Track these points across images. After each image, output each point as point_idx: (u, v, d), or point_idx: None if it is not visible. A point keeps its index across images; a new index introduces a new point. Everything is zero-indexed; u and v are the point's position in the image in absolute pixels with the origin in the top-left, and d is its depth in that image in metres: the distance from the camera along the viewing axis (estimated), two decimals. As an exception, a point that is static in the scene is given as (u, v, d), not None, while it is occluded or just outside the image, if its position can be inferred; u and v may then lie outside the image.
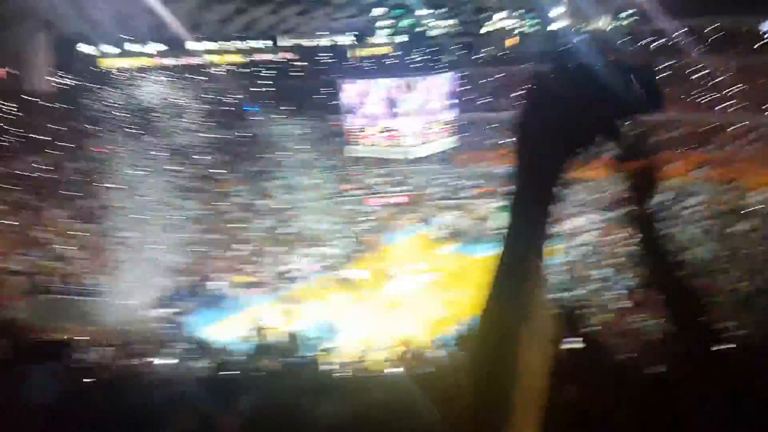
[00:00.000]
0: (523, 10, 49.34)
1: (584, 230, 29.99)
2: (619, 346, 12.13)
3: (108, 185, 30.52)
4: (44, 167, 30.57)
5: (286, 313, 23.37)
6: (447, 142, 35.86)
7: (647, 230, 1.58)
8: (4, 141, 31.58)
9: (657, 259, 1.57)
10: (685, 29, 39.75)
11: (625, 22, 47.79)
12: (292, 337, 19.80)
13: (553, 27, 50.76)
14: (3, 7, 28.66)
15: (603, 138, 1.22)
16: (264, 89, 46.25)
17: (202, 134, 38.79)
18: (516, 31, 52.72)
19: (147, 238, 28.30)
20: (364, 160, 37.76)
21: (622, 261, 23.96)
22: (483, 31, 52.86)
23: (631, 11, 46.47)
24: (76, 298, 22.49)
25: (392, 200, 35.61)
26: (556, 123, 1.13)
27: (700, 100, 36.50)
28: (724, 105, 35.48)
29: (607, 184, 32.63)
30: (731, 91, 35.70)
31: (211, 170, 35.82)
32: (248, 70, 49.50)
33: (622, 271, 22.70)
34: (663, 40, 43.17)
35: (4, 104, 34.05)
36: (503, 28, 52.29)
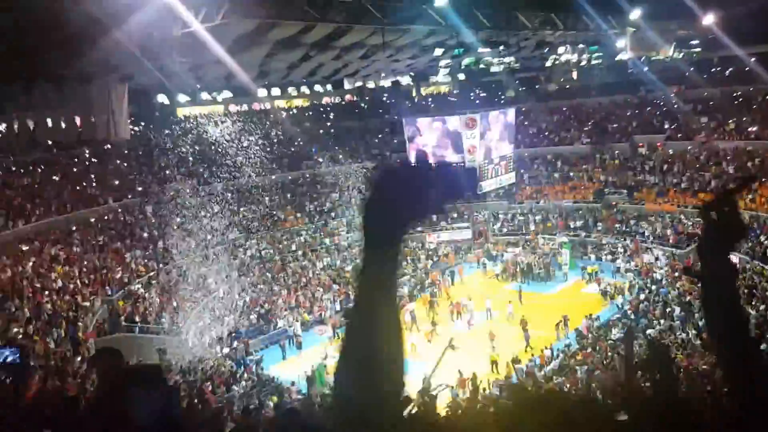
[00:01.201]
0: (586, 44, 48.79)
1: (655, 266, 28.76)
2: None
3: (179, 227, 31.74)
4: (120, 211, 32.10)
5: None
6: (509, 178, 35.43)
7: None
8: (86, 185, 33.43)
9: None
10: (753, 57, 38.31)
11: (690, 52, 46.41)
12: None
13: (618, 58, 49.90)
14: (85, 62, 30.64)
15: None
16: (328, 130, 47.35)
17: (267, 175, 39.98)
18: (580, 64, 52.11)
19: (215, 277, 29.14)
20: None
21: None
22: (546, 65, 52.54)
23: (696, 41, 45.14)
24: (148, 335, 23.22)
25: (455, 236, 35.32)
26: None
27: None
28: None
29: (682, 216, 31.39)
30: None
31: (274, 210, 36.68)
32: (313, 113, 50.92)
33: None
34: (730, 68, 41.69)
35: (85, 151, 36.21)
36: (567, 62, 51.81)
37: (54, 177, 33.34)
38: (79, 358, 18.26)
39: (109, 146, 36.79)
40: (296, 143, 45.18)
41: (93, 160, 36.08)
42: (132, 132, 39.87)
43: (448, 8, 28.50)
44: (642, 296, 25.46)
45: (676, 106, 41.19)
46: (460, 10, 29.64)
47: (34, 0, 20.14)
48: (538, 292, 28.65)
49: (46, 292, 22.27)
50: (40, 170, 33.49)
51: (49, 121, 36.45)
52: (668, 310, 22.83)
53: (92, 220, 30.54)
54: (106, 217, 31.22)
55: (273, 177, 40.17)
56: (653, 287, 26.12)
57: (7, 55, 25.74)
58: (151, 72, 32.04)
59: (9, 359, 7.76)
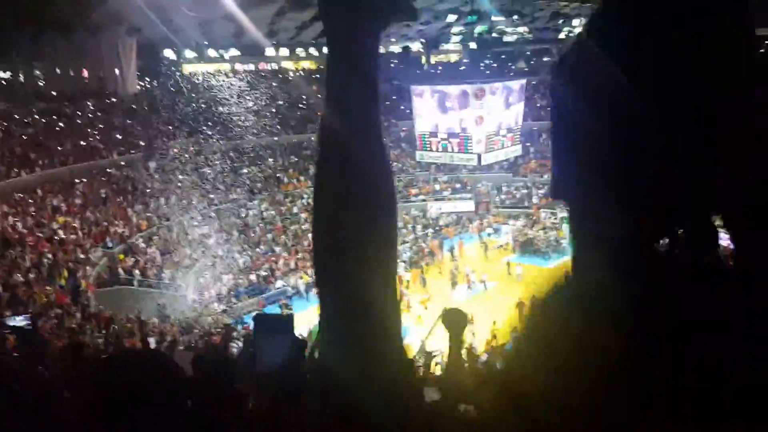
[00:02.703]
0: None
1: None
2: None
3: (181, 184, 31.75)
4: (124, 165, 32.07)
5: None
6: (515, 150, 35.19)
7: None
8: (89, 138, 33.33)
9: None
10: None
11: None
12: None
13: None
14: (94, 14, 30.32)
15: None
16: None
17: (272, 137, 39.83)
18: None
19: (216, 236, 29.26)
20: (432, 165, 37.65)
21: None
22: (560, 37, 51.81)
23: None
24: (149, 290, 23.42)
25: (458, 206, 35.29)
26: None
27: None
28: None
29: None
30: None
31: (278, 171, 36.62)
32: (320, 76, 50.44)
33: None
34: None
35: (90, 104, 36.00)
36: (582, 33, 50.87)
37: (57, 128, 33.23)
38: (78, 308, 18.46)
39: (113, 100, 36.58)
40: (303, 105, 44.88)
41: (98, 113, 35.91)
42: (138, 86, 39.63)
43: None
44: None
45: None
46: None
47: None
48: (537, 266, 28.73)
49: (47, 242, 22.39)
50: (43, 121, 33.36)
51: (57, 71, 36.19)
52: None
53: (95, 172, 30.53)
54: (108, 171, 31.21)
55: (277, 138, 40.01)
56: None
57: (15, 2, 25.46)
58: (158, 26, 31.73)
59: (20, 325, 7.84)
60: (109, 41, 34.92)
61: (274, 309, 25.01)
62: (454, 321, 3.16)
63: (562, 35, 51.41)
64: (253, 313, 23.52)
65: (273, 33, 38.93)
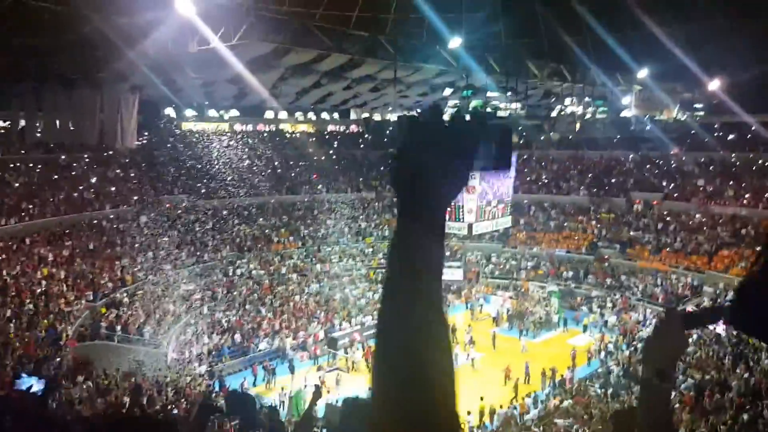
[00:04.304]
0: (592, 98, 49.50)
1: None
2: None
3: (171, 240, 31.73)
4: (114, 218, 32.08)
5: (331, 380, 23.12)
6: (506, 221, 35.50)
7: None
8: (82, 189, 33.45)
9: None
10: (758, 124, 38.85)
11: (695, 114, 47.13)
12: (332, 406, 19.44)
13: (622, 114, 50.56)
14: (101, 72, 30.99)
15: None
16: (330, 158, 47.66)
17: (266, 196, 40.12)
18: (584, 117, 52.75)
19: (202, 294, 29.00)
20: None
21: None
22: (551, 114, 53.15)
23: (701, 104, 45.90)
24: (128, 345, 23.00)
25: (448, 274, 35.25)
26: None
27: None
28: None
29: (674, 276, 31.45)
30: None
31: (268, 231, 36.66)
32: (317, 139, 51.31)
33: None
34: (733, 134, 42.26)
35: (86, 156, 36.31)
36: (572, 113, 52.46)
37: (51, 178, 33.39)
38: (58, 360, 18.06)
39: (110, 153, 36.92)
40: (297, 167, 45.44)
41: (94, 165, 36.20)
42: (137, 141, 40.09)
43: (461, 50, 28.99)
44: (627, 353, 25.34)
45: (675, 166, 41.60)
46: (472, 53, 30.18)
47: (56, 8, 20.41)
48: (526, 339, 28.50)
49: (30, 293, 22.12)
50: (38, 170, 33.57)
51: (56, 123, 36.59)
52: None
53: (85, 224, 30.51)
54: (98, 223, 31.19)
55: (271, 199, 40.31)
56: (638, 345, 26.00)
57: (21, 54, 26.04)
58: (161, 85, 32.40)
59: (34, 389, 7.69)
60: (111, 96, 35.53)
61: (258, 371, 24.49)
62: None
63: (553, 113, 52.77)
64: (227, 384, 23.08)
65: (274, 96, 39.77)
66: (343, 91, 39.40)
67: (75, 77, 30.49)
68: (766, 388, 18.08)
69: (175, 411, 16.66)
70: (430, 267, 1.07)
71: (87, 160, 36.27)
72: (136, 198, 34.71)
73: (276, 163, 45.39)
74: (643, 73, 37.55)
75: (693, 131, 43.73)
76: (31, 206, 29.61)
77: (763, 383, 18.60)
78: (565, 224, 39.05)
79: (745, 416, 16.60)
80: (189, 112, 47.20)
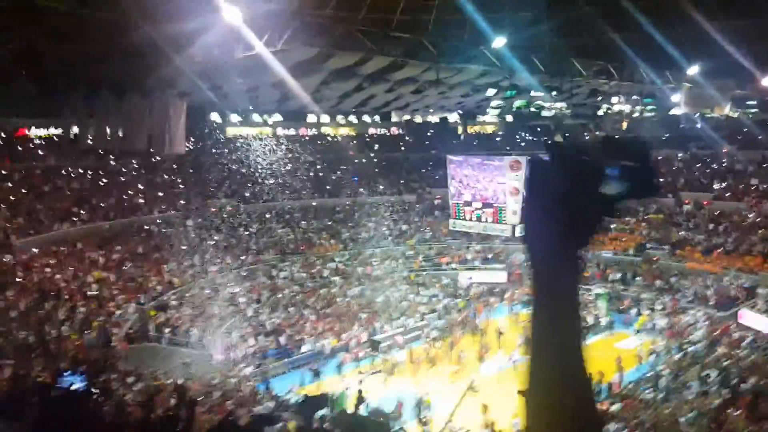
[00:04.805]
0: (641, 96, 48.39)
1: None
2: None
3: (216, 243, 32.26)
4: (162, 222, 32.80)
5: (375, 381, 23.11)
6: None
7: None
8: (134, 196, 34.33)
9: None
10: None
11: (747, 111, 45.53)
12: (378, 407, 19.45)
13: (671, 112, 49.27)
14: (149, 79, 31.83)
15: (599, 222, 1.16)
16: (373, 160, 47.78)
17: (309, 199, 40.47)
18: (632, 115, 51.64)
19: (247, 296, 29.38)
20: (465, 234, 37.54)
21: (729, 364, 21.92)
22: (598, 113, 52.19)
23: (754, 101, 44.32)
24: (176, 348, 23.45)
25: (491, 277, 34.87)
26: (553, 209, 1.12)
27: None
28: None
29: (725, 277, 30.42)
30: None
31: (310, 234, 36.92)
32: (358, 142, 51.54)
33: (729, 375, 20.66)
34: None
35: (135, 162, 37.27)
36: (619, 112, 51.44)
37: (101, 183, 34.36)
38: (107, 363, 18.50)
39: (158, 158, 37.79)
40: (339, 170, 45.69)
41: (142, 171, 37.12)
42: (185, 147, 41.00)
43: (504, 50, 28.66)
44: (677, 356, 24.58)
45: (726, 165, 40.24)
46: (516, 53, 29.80)
47: (107, 16, 21.00)
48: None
49: (82, 296, 22.76)
50: (89, 176, 34.58)
51: (108, 130, 37.72)
52: (703, 373, 21.96)
53: (134, 228, 31.28)
54: (147, 227, 31.93)
55: (313, 202, 40.62)
56: (689, 348, 25.22)
57: (73, 62, 26.89)
58: (207, 91, 33.06)
59: (76, 385, 7.76)
60: (160, 103, 36.40)
61: (298, 374, 24.63)
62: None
63: (600, 112, 51.78)
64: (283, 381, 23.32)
65: (316, 100, 40.16)
66: (385, 93, 39.44)
67: (125, 84, 31.31)
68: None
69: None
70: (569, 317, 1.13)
71: (135, 165, 37.21)
72: (182, 203, 35.42)
73: (318, 167, 45.73)
74: (693, 70, 36.50)
75: (745, 128, 42.22)
76: (82, 211, 30.50)
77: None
78: (612, 225, 38.15)
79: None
80: (234, 117, 48.03)
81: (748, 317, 25.79)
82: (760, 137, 40.79)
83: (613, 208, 1.13)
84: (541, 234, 1.13)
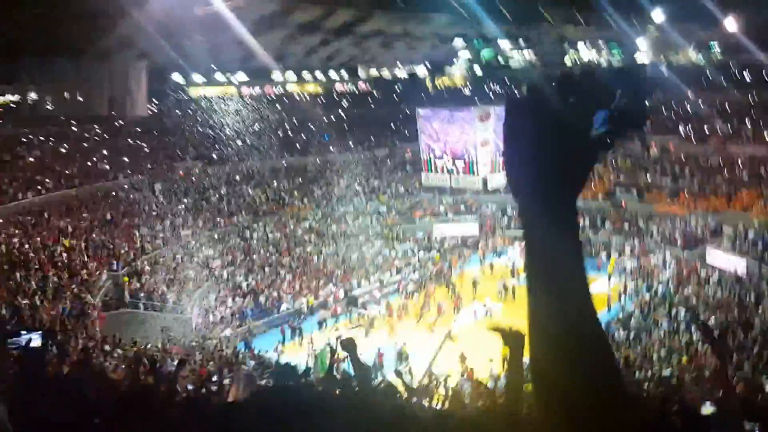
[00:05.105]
0: (606, 42, 48.39)
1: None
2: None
3: (187, 206, 31.86)
4: (130, 187, 32.19)
5: (352, 337, 23.40)
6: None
7: None
8: (98, 161, 33.52)
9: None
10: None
11: (710, 55, 45.95)
12: (358, 361, 19.74)
13: (638, 58, 49.42)
14: (106, 40, 30.71)
15: (587, 158, 1.06)
16: (342, 117, 47.29)
17: (278, 159, 40.02)
18: (600, 62, 51.70)
19: (221, 259, 29.24)
20: (437, 188, 37.71)
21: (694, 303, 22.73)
22: (565, 61, 52.11)
23: (717, 45, 44.71)
24: (153, 313, 23.34)
25: (463, 229, 35.19)
26: (538, 145, 1.00)
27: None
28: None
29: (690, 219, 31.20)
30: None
31: (282, 194, 36.66)
32: (326, 100, 50.83)
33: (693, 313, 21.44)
34: (750, 72, 41.21)
35: (97, 127, 36.28)
36: (587, 59, 51.43)
37: (63, 150, 33.44)
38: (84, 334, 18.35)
39: (121, 122, 36.86)
40: (308, 129, 45.14)
41: (105, 136, 36.18)
42: (147, 110, 40.01)
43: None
44: (647, 297, 25.35)
45: (691, 108, 40.78)
46: (482, 2, 29.44)
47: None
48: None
49: (52, 265, 22.38)
50: (51, 144, 33.61)
51: (65, 95, 36.53)
52: (673, 312, 22.73)
53: (101, 195, 30.66)
54: (114, 193, 31.32)
55: (283, 162, 40.20)
56: (658, 288, 26.01)
57: (27, 27, 25.77)
58: (168, 51, 32.08)
59: (33, 343, 7.42)
60: (119, 65, 35.29)
61: (276, 333, 24.77)
62: (514, 341, 3.15)
63: (567, 59, 51.71)
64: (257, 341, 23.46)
65: (281, 57, 39.30)
66: (351, 47, 38.78)
67: (82, 47, 30.20)
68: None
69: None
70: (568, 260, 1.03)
71: (98, 131, 36.23)
72: (149, 167, 34.74)
73: (286, 126, 45.10)
74: (657, 14, 36.53)
75: (709, 72, 42.68)
76: (47, 180, 29.73)
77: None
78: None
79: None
80: (196, 78, 46.76)
81: (714, 256, 26.56)
82: (722, 80, 41.26)
83: (603, 147, 1.06)
84: (526, 183, 1.02)
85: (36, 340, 7.23)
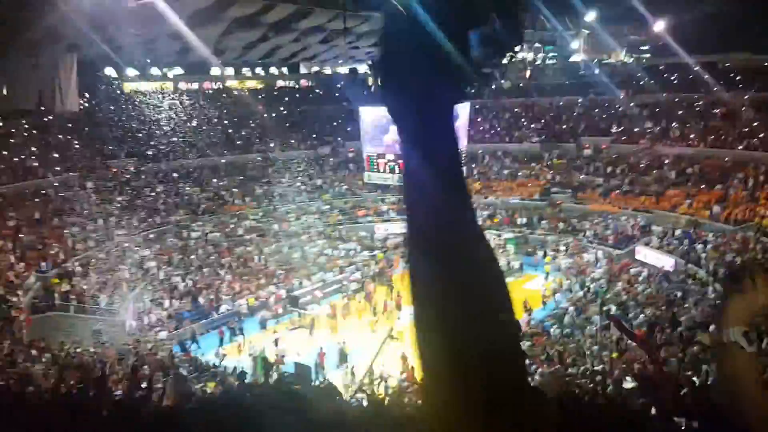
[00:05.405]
0: (542, 43, 49.66)
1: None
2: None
3: (120, 205, 30.87)
4: (60, 185, 30.91)
5: (295, 338, 23.24)
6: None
7: None
8: (26, 159, 32.02)
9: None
10: (701, 65, 39.72)
11: (641, 57, 47.85)
12: (300, 363, 19.61)
13: (571, 59, 50.97)
14: (32, 31, 29.28)
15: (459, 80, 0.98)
16: (282, 115, 46.73)
17: (216, 157, 39.21)
18: (535, 63, 53.03)
19: (157, 259, 28.44)
20: (380, 186, 37.75)
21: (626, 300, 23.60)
22: (504, 61, 53.00)
23: (647, 47, 46.59)
24: (85, 315, 22.50)
25: (395, 228, 35.33)
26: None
27: (718, 135, 36.10)
28: (742, 140, 34.99)
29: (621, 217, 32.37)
30: (749, 126, 35.30)
31: (222, 192, 35.96)
32: (266, 96, 50.12)
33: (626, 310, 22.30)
34: (678, 74, 43.11)
35: (25, 123, 34.61)
36: (523, 60, 52.65)
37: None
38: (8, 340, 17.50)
39: (50, 118, 35.30)
40: (248, 125, 44.41)
41: (33, 132, 34.55)
42: (79, 105, 38.44)
43: (409, -1, 28.41)
44: (580, 294, 26.15)
45: (622, 109, 42.34)
46: (422, 1, 29.60)
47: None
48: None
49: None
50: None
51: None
52: (605, 308, 23.51)
53: (29, 193, 29.31)
54: (43, 192, 29.98)
55: (222, 159, 39.41)
56: (591, 286, 26.87)
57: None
58: (98, 44, 30.87)
59: None
60: (47, 58, 33.72)
61: (214, 335, 24.29)
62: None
63: (504, 60, 52.68)
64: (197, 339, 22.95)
65: (219, 52, 38.39)
66: (292, 43, 38.32)
67: (6, 39, 28.66)
68: (708, 323, 18.94)
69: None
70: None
71: (26, 126, 34.57)
72: (80, 164, 33.41)
73: (225, 122, 44.23)
74: (591, 16, 37.72)
75: (639, 74, 44.41)
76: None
77: (708, 317, 19.48)
78: (519, 172, 39.52)
79: (694, 348, 17.41)
80: (130, 72, 45.28)
81: (644, 254, 27.67)
82: (652, 82, 43.04)
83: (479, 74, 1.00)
84: (401, 91, 0.95)
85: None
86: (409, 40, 0.95)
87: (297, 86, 54.96)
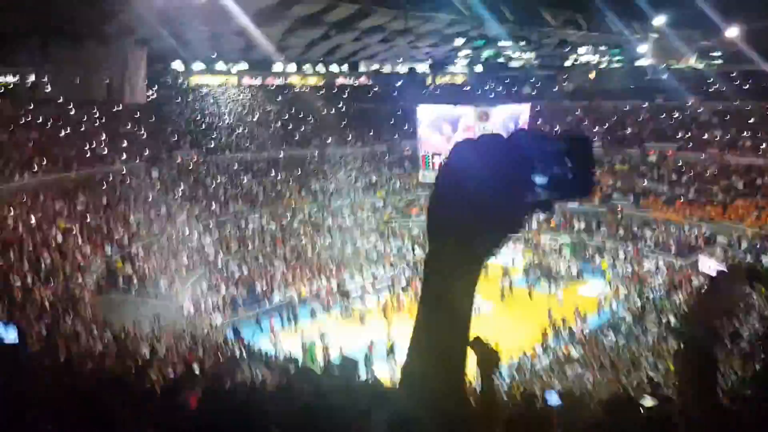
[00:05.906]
0: (608, 47, 48.46)
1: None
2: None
3: (183, 194, 31.85)
4: (127, 173, 32.16)
5: (345, 330, 23.51)
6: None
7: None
8: (96, 146, 33.44)
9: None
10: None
11: (712, 63, 46.05)
12: (347, 356, 19.80)
13: (638, 63, 49.53)
14: (105, 24, 30.61)
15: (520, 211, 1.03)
16: (341, 111, 47.24)
17: (275, 151, 40.00)
18: (599, 66, 51.80)
19: (216, 247, 29.25)
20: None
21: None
22: (566, 64, 52.17)
23: (718, 53, 44.79)
24: (145, 299, 23.32)
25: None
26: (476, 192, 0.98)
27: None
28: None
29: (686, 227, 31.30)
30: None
31: (279, 185, 36.65)
32: (326, 92, 50.75)
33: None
34: (751, 82, 41.33)
35: (96, 112, 36.16)
36: (587, 63, 51.51)
37: (61, 134, 33.36)
38: (71, 316, 18.34)
39: (119, 108, 36.75)
40: (307, 121, 45.10)
41: (103, 120, 36.07)
42: (147, 96, 39.91)
43: (474, -1, 28.32)
44: (639, 303, 25.44)
45: (690, 116, 40.89)
46: (485, 2, 29.47)
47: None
48: (539, 291, 28.63)
49: (46, 247, 22.36)
50: (49, 125, 33.52)
51: (66, 78, 36.36)
52: (663, 319, 22.82)
53: (97, 179, 30.63)
54: (111, 178, 31.28)
55: (281, 153, 40.18)
56: (650, 295, 26.10)
57: (27, 9, 25.70)
58: (168, 38, 32.02)
59: (8, 339, 6.83)
60: (119, 51, 35.18)
61: (267, 322, 24.82)
62: (486, 359, 3.08)
63: (567, 62, 51.79)
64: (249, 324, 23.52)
65: (282, 49, 39.23)
66: (352, 42, 38.76)
67: (82, 31, 30.09)
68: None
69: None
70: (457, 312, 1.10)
71: (96, 115, 36.12)
72: (146, 154, 34.69)
73: (285, 117, 45.06)
74: (659, 20, 36.59)
75: (710, 80, 42.79)
76: (43, 162, 29.67)
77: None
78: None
79: (756, 365, 16.72)
80: (197, 66, 46.67)
81: (707, 264, 26.69)
82: (723, 89, 41.40)
83: (541, 209, 1.02)
84: (450, 227, 0.99)
85: (11, 334, 6.71)
86: (472, 177, 0.97)
87: (356, 84, 55.42)
